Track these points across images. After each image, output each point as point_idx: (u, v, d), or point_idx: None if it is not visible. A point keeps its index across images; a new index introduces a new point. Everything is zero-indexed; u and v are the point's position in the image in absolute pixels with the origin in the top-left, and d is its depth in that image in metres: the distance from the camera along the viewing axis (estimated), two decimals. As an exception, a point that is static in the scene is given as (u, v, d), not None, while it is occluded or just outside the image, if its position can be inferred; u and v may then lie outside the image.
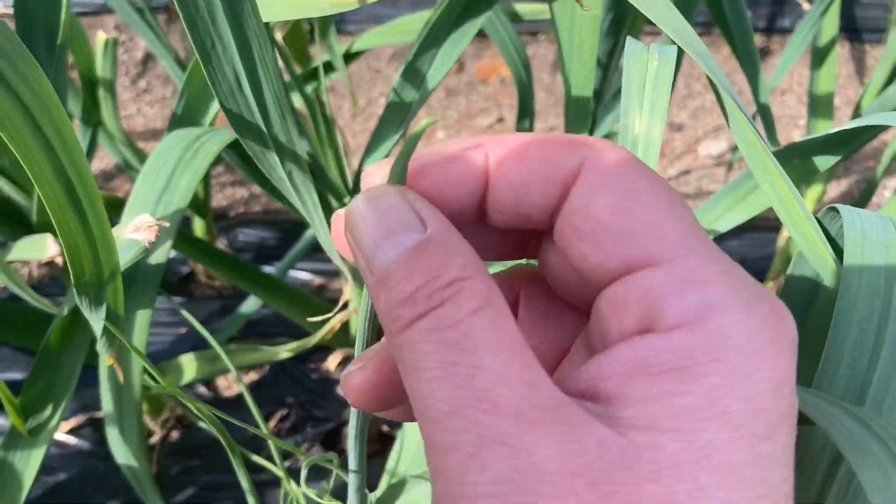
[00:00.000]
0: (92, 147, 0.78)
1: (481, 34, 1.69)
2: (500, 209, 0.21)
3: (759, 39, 1.42)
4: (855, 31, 1.39)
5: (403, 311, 0.18)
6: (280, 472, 0.50)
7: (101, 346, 0.35)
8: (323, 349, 0.93)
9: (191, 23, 0.25)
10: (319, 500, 0.40)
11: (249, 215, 1.13)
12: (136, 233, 0.36)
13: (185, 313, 0.46)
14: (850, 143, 0.41)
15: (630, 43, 0.34)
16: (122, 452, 0.51)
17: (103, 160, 1.18)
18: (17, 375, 0.90)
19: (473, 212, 0.21)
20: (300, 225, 1.04)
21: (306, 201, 0.36)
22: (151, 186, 0.43)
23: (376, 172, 0.21)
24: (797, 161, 0.40)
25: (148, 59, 1.44)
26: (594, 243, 0.20)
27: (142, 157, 0.84)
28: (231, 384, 0.92)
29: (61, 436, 0.85)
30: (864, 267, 0.25)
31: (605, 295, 0.20)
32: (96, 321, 0.34)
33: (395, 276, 0.18)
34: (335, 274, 1.00)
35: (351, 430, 0.35)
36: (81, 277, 0.31)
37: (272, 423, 0.86)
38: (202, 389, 0.91)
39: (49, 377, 0.52)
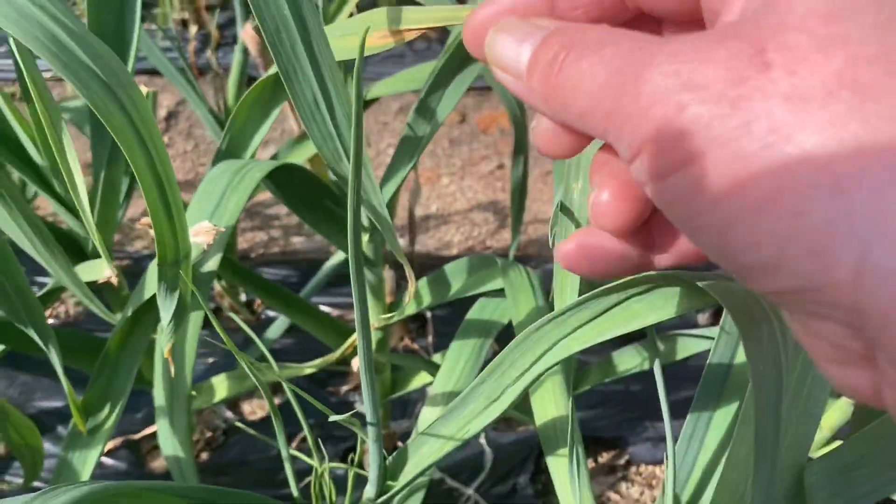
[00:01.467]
0: (129, 194, 0.87)
1: (481, 89, 1.79)
2: None
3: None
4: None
5: (551, 67, 0.22)
6: (315, 461, 0.57)
7: (166, 333, 0.42)
8: (340, 375, 1.00)
9: (277, 55, 0.33)
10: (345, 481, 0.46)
11: (268, 256, 1.21)
12: (197, 236, 0.44)
13: (219, 330, 0.54)
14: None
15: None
16: (169, 444, 0.57)
17: (138, 205, 1.26)
18: (56, 404, 0.96)
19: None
20: (315, 262, 1.12)
21: (375, 207, 0.43)
22: (205, 206, 0.51)
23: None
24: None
25: (170, 116, 1.54)
26: None
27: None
28: (255, 409, 0.99)
29: (99, 457, 0.91)
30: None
31: None
32: (168, 306, 0.41)
33: (536, 56, 0.22)
34: (348, 306, 1.07)
35: (364, 386, 0.42)
36: (164, 261, 0.39)
37: (294, 443, 0.93)
38: (228, 414, 0.97)
39: (107, 379, 0.59)
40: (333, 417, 0.49)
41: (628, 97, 0.20)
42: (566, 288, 0.48)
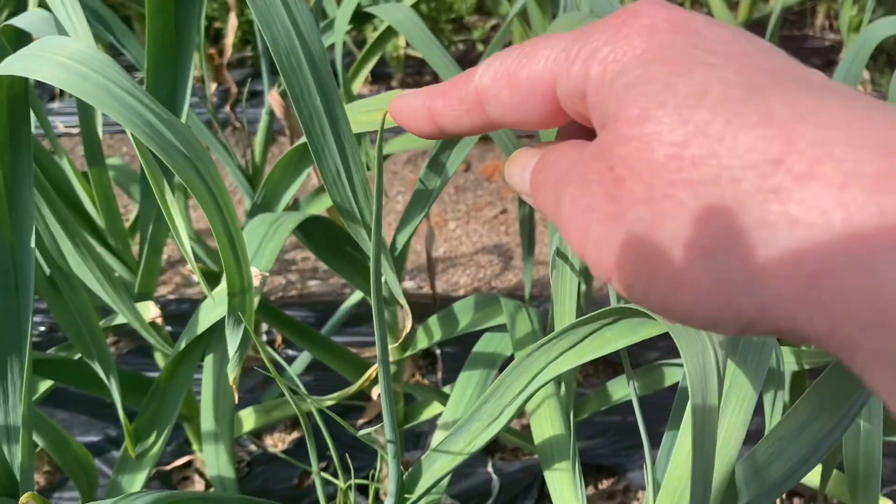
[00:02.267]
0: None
1: (485, 140, 1.89)
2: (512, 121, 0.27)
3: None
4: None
5: (535, 190, 0.27)
6: (340, 481, 0.64)
7: (233, 362, 0.50)
8: (356, 409, 1.07)
9: (309, 135, 0.41)
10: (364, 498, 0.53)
11: (286, 299, 1.29)
12: (246, 280, 0.52)
13: (273, 354, 0.61)
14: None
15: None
16: (215, 465, 0.64)
17: (172, 248, 1.35)
18: (93, 438, 1.03)
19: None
20: (331, 304, 1.20)
21: (379, 259, 0.51)
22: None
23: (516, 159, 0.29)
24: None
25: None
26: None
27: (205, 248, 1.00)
28: (277, 442, 1.06)
29: (133, 488, 0.98)
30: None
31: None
32: (235, 337, 0.48)
33: (531, 180, 0.27)
34: (365, 345, 1.14)
35: (384, 406, 0.49)
36: (233, 297, 0.47)
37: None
38: (252, 447, 1.04)
39: (156, 407, 0.66)
40: (360, 433, 0.56)
41: (559, 222, 0.24)
42: (565, 315, 0.55)
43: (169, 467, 0.99)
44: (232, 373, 0.48)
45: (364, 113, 0.50)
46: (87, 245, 0.55)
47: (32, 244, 0.48)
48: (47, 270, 0.52)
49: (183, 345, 0.61)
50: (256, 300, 0.60)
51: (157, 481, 0.99)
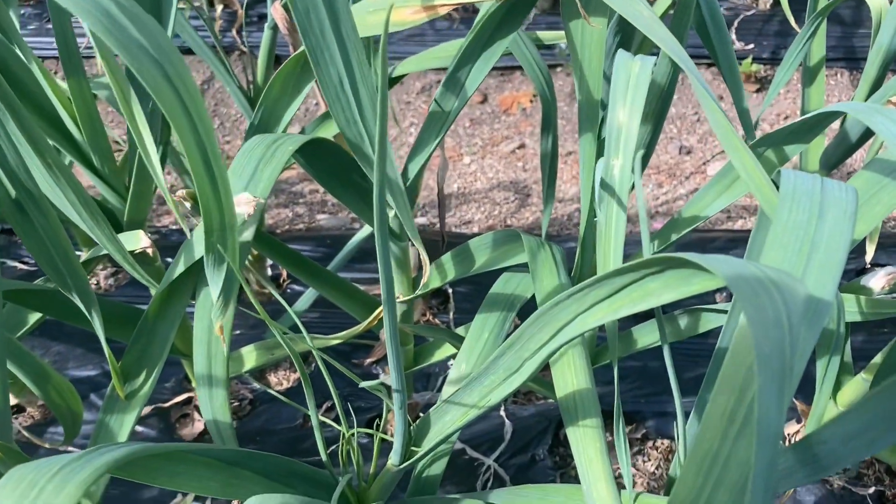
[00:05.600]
0: (162, 162, 0.89)
1: (504, 70, 1.79)
2: None
3: (762, 69, 1.52)
4: (854, 60, 1.48)
5: None
6: (343, 427, 0.59)
7: (216, 309, 0.44)
8: (364, 348, 1.02)
9: (306, 36, 0.35)
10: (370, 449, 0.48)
11: (293, 232, 1.24)
12: (238, 207, 0.46)
13: (272, 291, 0.56)
14: (812, 132, 0.50)
15: (621, 53, 0.43)
16: (209, 408, 0.59)
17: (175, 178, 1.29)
18: (89, 373, 0.99)
19: None
20: (339, 239, 1.14)
21: (391, 181, 0.44)
22: (240, 177, 0.53)
23: None
24: (765, 149, 0.49)
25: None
26: None
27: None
28: (281, 380, 1.01)
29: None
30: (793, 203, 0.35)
31: None
32: (217, 279, 0.43)
33: None
34: (374, 282, 1.09)
35: (390, 353, 0.44)
36: (210, 230, 0.41)
37: (320, 412, 0.95)
38: (255, 385, 1.00)
39: (144, 344, 0.61)
40: (364, 384, 0.51)
41: None
42: (609, 259, 0.49)
43: (167, 404, 0.95)
44: (218, 320, 0.42)
45: (374, 13, 0.43)
46: (61, 166, 0.49)
47: (-6, 160, 0.42)
48: (13, 192, 0.46)
49: (175, 275, 0.55)
50: (250, 232, 0.54)
51: (155, 418, 0.95)
